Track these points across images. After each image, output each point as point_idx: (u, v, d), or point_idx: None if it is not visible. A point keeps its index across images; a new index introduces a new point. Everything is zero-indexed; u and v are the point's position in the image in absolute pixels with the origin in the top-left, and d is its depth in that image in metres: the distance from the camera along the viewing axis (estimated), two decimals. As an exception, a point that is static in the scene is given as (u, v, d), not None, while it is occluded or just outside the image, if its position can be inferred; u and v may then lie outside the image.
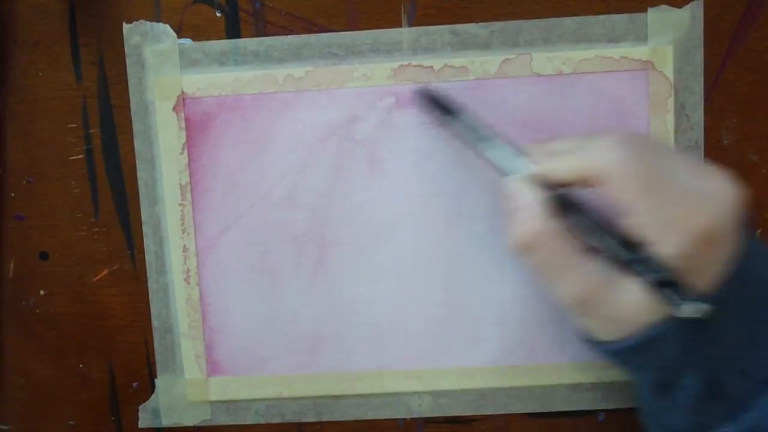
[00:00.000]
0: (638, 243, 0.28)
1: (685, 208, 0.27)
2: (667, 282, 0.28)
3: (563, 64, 0.37)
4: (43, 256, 0.40)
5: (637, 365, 0.30)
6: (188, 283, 0.39)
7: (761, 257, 0.29)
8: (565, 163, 0.30)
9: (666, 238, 0.27)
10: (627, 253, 0.29)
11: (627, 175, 0.28)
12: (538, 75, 0.37)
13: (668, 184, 0.28)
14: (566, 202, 0.30)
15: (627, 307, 0.29)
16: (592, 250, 0.30)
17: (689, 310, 0.27)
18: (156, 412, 0.40)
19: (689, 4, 0.36)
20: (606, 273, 0.29)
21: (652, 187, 0.28)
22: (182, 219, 0.38)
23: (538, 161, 0.31)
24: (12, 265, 0.40)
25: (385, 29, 0.37)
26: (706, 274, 0.28)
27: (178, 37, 0.37)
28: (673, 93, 0.37)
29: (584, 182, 0.29)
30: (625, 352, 0.30)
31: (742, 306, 0.29)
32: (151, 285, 0.39)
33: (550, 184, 0.30)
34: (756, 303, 0.29)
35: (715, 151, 0.37)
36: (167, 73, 0.37)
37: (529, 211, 0.30)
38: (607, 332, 0.30)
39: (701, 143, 0.37)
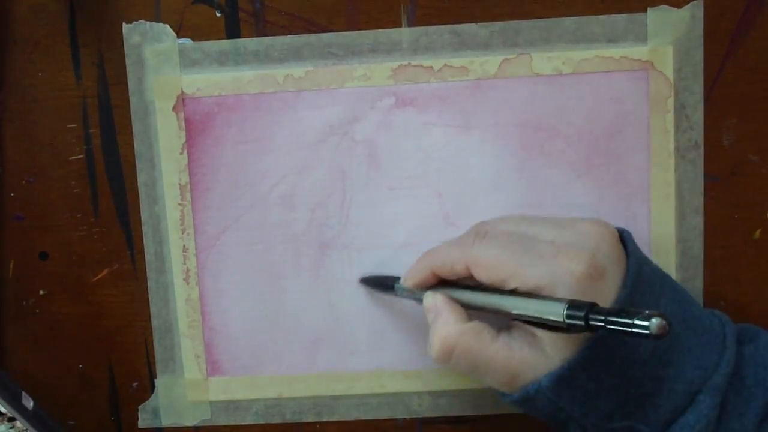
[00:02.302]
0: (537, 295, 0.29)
1: (563, 257, 0.29)
2: (584, 305, 0.27)
3: (563, 64, 0.37)
4: (43, 256, 0.40)
5: (528, 412, 0.32)
6: (188, 283, 0.39)
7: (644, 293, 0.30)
8: (445, 254, 0.33)
9: (556, 289, 0.29)
10: (535, 303, 0.29)
11: (491, 252, 0.31)
12: (538, 75, 0.37)
13: (537, 244, 0.30)
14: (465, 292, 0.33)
15: (517, 368, 0.30)
16: (503, 328, 0.32)
17: (649, 324, 0.24)
18: (156, 412, 0.40)
19: (689, 4, 0.36)
20: (524, 345, 0.30)
21: (523, 252, 0.30)
22: (182, 219, 0.38)
23: (426, 260, 0.34)
24: (12, 265, 0.40)
25: (385, 29, 0.37)
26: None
27: (178, 37, 0.37)
28: (673, 93, 0.37)
29: (463, 271, 0.32)
30: (517, 402, 0.32)
31: (607, 361, 0.29)
32: (151, 285, 0.39)
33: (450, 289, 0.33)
34: (621, 356, 0.29)
35: (715, 151, 0.37)
36: (167, 73, 0.37)
37: (439, 320, 0.32)
38: (505, 388, 0.32)
39: (701, 143, 0.37)
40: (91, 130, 0.39)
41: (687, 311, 0.31)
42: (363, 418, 0.40)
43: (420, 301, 0.34)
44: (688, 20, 0.36)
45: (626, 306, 0.28)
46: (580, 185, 0.37)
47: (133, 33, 0.37)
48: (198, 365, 0.39)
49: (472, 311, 0.33)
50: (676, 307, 0.31)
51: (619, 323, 0.25)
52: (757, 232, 0.38)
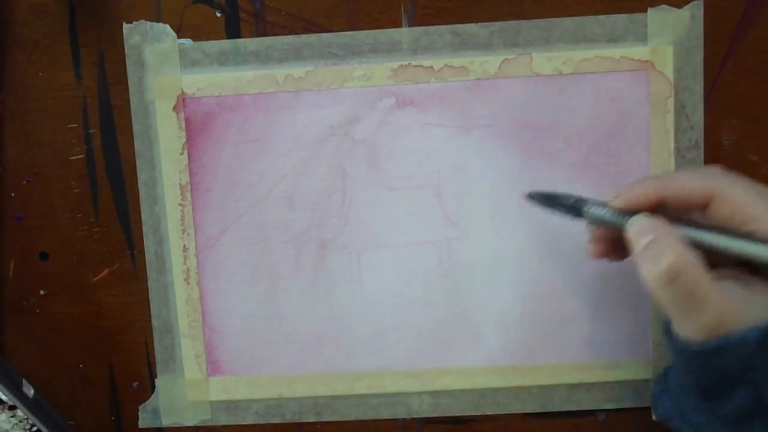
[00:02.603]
0: None
1: None
2: None
3: (563, 64, 0.37)
4: (43, 256, 0.40)
5: (701, 368, 0.30)
6: (188, 283, 0.39)
7: None
8: (687, 180, 0.31)
9: None
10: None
11: (743, 189, 0.30)
12: (538, 75, 0.37)
13: None
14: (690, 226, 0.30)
15: (728, 314, 0.28)
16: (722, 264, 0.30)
17: None
18: (156, 412, 0.40)
19: (689, 4, 0.36)
20: (736, 291, 0.29)
21: (764, 196, 0.29)
22: (182, 219, 0.38)
23: (657, 182, 0.31)
24: (12, 265, 0.40)
25: (385, 29, 0.37)
26: None
27: (178, 37, 0.37)
28: (673, 93, 0.37)
29: (700, 202, 0.30)
30: (703, 352, 0.29)
31: None
32: (151, 285, 0.39)
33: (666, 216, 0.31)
34: None
35: (715, 151, 0.37)
36: (167, 73, 0.37)
37: (666, 240, 0.29)
38: (700, 333, 0.29)
39: (701, 143, 0.37)
40: (91, 130, 0.39)
41: None
42: (363, 418, 0.40)
43: (612, 227, 0.31)
44: (688, 20, 0.36)
45: None
46: (580, 185, 0.37)
47: (133, 33, 0.37)
48: (198, 365, 0.39)
49: None
50: None
51: None
52: (757, 232, 0.38)
